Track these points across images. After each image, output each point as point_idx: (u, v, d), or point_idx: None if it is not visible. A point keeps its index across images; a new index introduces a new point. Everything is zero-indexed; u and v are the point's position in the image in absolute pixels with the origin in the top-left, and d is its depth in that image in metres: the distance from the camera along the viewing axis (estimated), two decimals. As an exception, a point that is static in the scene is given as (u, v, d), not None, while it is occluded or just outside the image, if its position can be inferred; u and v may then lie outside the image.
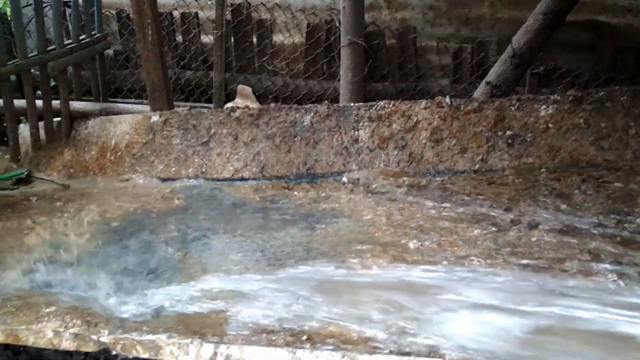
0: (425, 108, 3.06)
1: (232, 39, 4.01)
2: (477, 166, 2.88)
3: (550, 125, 2.93)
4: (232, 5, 3.93)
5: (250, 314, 1.68)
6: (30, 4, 3.51)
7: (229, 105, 3.77)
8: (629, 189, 2.54)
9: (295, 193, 2.80)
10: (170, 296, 1.87)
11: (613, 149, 2.86)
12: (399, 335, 1.55)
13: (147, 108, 3.45)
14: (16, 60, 3.03)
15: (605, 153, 2.84)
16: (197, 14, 4.04)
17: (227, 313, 1.70)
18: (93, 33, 3.64)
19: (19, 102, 3.18)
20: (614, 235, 2.14)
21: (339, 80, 3.69)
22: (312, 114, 3.14)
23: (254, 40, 4.00)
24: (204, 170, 3.10)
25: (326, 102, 3.23)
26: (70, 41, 3.40)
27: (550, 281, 1.84)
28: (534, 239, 2.14)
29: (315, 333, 1.57)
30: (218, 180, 3.02)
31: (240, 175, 3.06)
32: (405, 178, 2.83)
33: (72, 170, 3.26)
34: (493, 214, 2.35)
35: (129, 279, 2.05)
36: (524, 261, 1.98)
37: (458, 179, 2.76)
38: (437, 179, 2.78)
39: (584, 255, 2.00)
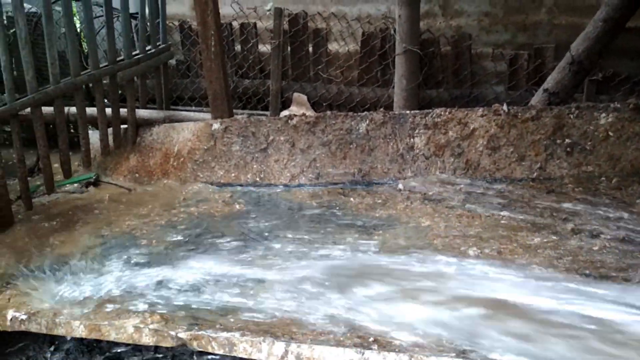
0: (482, 115, 3.06)
1: (289, 48, 4.11)
2: (535, 174, 2.87)
3: (611, 134, 2.89)
4: (289, 15, 4.04)
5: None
6: (100, 16, 3.71)
7: (285, 112, 3.87)
8: (694, 199, 2.49)
9: (352, 199, 2.87)
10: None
11: (677, 158, 2.80)
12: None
13: (207, 115, 3.58)
14: (88, 70, 3.21)
15: (669, 162, 2.78)
16: (255, 24, 4.17)
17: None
18: (158, 44, 3.81)
19: (89, 110, 3.37)
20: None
21: (393, 87, 3.73)
22: (367, 122, 3.20)
23: (310, 49, 4.10)
24: (262, 176, 3.21)
25: (381, 109, 3.28)
26: (137, 52, 3.57)
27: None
28: (595, 247, 2.13)
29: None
30: (276, 185, 3.12)
31: (297, 181, 3.15)
32: (462, 185, 2.85)
33: (137, 175, 3.43)
34: (553, 222, 2.35)
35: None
36: (587, 270, 1.97)
37: (516, 187, 2.76)
38: (495, 186, 2.78)
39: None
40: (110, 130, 3.45)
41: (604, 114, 2.94)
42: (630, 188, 2.64)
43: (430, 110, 3.15)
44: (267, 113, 4.06)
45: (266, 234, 2.51)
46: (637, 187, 2.65)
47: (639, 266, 2.02)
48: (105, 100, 3.37)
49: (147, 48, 3.67)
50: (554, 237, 2.23)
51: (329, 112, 3.31)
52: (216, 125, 3.38)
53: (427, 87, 3.94)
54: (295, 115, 3.32)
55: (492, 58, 3.88)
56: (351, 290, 1.94)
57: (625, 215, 2.38)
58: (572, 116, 2.97)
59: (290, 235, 2.46)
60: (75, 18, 4.62)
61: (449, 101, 3.89)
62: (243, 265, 2.22)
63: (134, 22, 3.93)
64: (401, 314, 1.75)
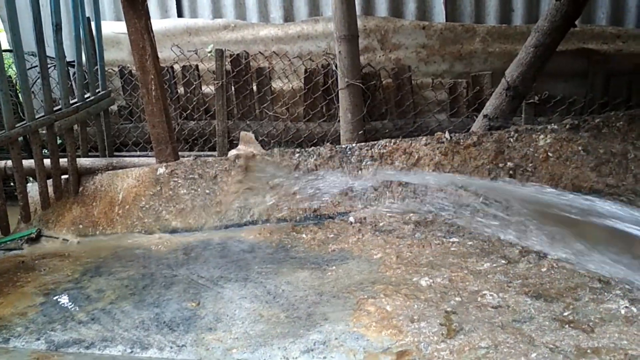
0: (425, 144, 3.11)
1: (233, 87, 4.11)
2: (481, 199, 2.91)
3: (550, 154, 2.97)
4: (231, 55, 4.04)
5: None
6: (35, 66, 3.61)
7: (233, 152, 3.82)
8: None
9: (304, 235, 2.84)
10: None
11: (614, 174, 2.90)
12: None
13: (152, 160, 3.51)
14: (24, 122, 3.10)
15: (606, 178, 2.87)
16: (197, 66, 4.15)
17: None
18: (97, 90, 3.73)
19: (27, 162, 3.24)
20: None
21: (338, 121, 3.76)
22: (315, 157, 3.19)
23: (254, 87, 4.10)
24: (212, 217, 3.14)
25: (328, 144, 3.29)
26: (75, 100, 3.48)
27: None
28: (544, 269, 2.16)
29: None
30: (227, 227, 3.06)
31: (247, 219, 3.09)
32: (411, 214, 2.86)
33: (81, 226, 3.29)
34: (501, 246, 2.37)
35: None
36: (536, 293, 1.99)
37: (464, 213, 2.79)
38: (443, 213, 2.80)
39: (594, 283, 2.01)
40: (50, 181, 3.33)
41: (542, 136, 3.04)
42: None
43: (376, 142, 3.18)
44: (215, 154, 4.00)
45: (217, 279, 2.44)
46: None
47: (586, 284, 2.06)
48: (46, 151, 3.25)
49: (86, 95, 3.59)
50: (503, 262, 2.25)
51: (276, 149, 3.29)
52: (161, 170, 3.31)
53: (372, 119, 3.99)
54: (242, 154, 3.28)
55: (433, 87, 3.98)
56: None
57: (567, 232, 2.43)
58: (511, 140, 3.05)
59: (241, 281, 2.40)
60: (10, 69, 4.51)
61: (394, 131, 3.95)
62: (190, 320, 2.14)
63: (72, 70, 3.84)
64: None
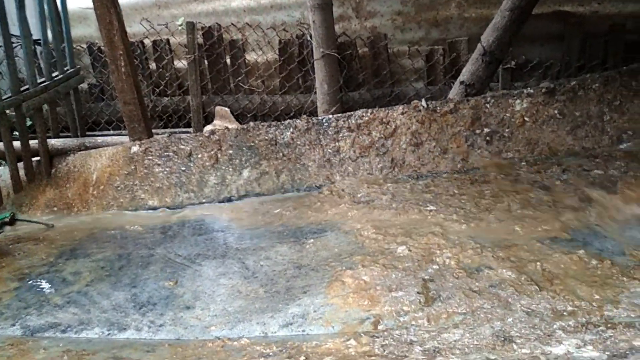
0: (402, 113, 3.08)
1: (206, 61, 4.01)
2: (459, 166, 2.90)
3: (527, 119, 2.97)
4: (202, 28, 3.94)
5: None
6: (0, 45, 3.49)
7: (208, 127, 3.77)
8: (608, 175, 2.58)
9: (282, 210, 2.81)
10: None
11: (590, 137, 2.91)
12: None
13: (125, 139, 3.44)
14: (-10, 104, 3.01)
15: (582, 141, 2.88)
16: (168, 40, 4.05)
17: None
18: (65, 69, 3.63)
19: (-2, 145, 3.16)
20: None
21: (315, 93, 3.70)
22: (291, 130, 3.15)
23: (228, 61, 4.01)
24: (188, 195, 3.09)
25: (304, 116, 3.24)
26: (43, 79, 3.38)
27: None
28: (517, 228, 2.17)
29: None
30: (202, 203, 3.02)
31: (224, 196, 3.05)
32: (389, 184, 2.84)
33: (55, 208, 3.23)
34: (477, 211, 2.37)
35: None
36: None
37: (441, 181, 2.78)
38: (421, 182, 2.79)
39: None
40: (21, 164, 3.25)
41: (518, 101, 3.02)
42: (549, 170, 2.71)
43: (352, 113, 3.15)
44: (191, 130, 3.93)
45: (195, 257, 2.42)
46: (555, 168, 2.72)
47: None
48: (16, 133, 3.17)
49: (54, 74, 3.49)
50: (482, 225, 2.25)
51: (252, 123, 3.24)
52: (135, 148, 3.24)
53: (349, 90, 3.94)
54: (217, 130, 3.23)
55: (409, 55, 3.93)
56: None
57: (545, 197, 2.44)
58: (488, 105, 3.04)
59: (219, 258, 2.37)
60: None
61: (372, 101, 3.90)
62: (168, 299, 2.12)
63: (38, 48, 3.72)
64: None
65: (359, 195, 2.79)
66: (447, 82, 3.84)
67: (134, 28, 4.01)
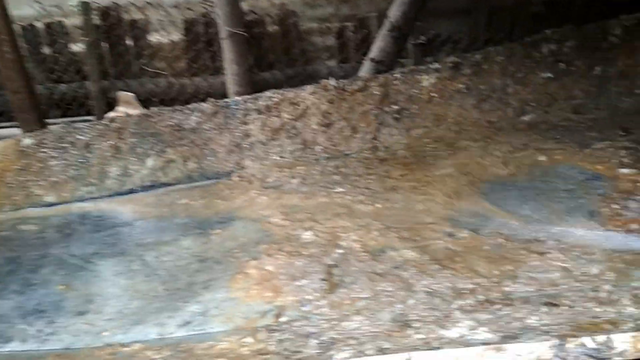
0: (312, 93, 3.00)
1: (106, 44, 3.77)
2: (369, 145, 2.87)
3: (434, 94, 2.97)
4: (99, 8, 3.69)
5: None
6: None
7: (111, 115, 3.55)
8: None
9: (188, 200, 2.68)
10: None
11: (494, 110, 2.95)
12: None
13: (17, 131, 3.18)
14: None
15: (487, 114, 2.92)
16: (61, 22, 3.76)
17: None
18: (-57, 56, 3.30)
19: None
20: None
21: (225, 74, 3.56)
22: (197, 114, 3.01)
23: (129, 42, 3.79)
24: (89, 188, 2.90)
25: (211, 99, 3.10)
26: None
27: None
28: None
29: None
30: (104, 197, 2.84)
31: (128, 187, 2.88)
32: (300, 167, 2.78)
33: (-60, 210, 2.95)
34: (384, 192, 2.35)
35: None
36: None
37: (352, 161, 2.74)
38: (331, 163, 2.74)
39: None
40: None
41: (425, 76, 3.02)
42: (455, 145, 2.73)
43: (261, 94, 3.04)
44: (93, 118, 3.70)
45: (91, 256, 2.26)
46: (462, 142, 2.75)
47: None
48: None
49: None
50: (387, 205, 2.23)
51: (154, 109, 3.07)
52: (27, 141, 2.99)
53: (261, 70, 3.83)
54: (116, 117, 3.04)
55: (320, 33, 3.85)
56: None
57: (451, 170, 2.45)
58: (397, 82, 3.01)
59: (118, 256, 2.22)
60: None
61: (285, 81, 3.81)
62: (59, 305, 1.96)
63: None
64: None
65: (269, 180, 2.71)
66: (360, 59, 3.79)
67: (23, 11, 3.70)
